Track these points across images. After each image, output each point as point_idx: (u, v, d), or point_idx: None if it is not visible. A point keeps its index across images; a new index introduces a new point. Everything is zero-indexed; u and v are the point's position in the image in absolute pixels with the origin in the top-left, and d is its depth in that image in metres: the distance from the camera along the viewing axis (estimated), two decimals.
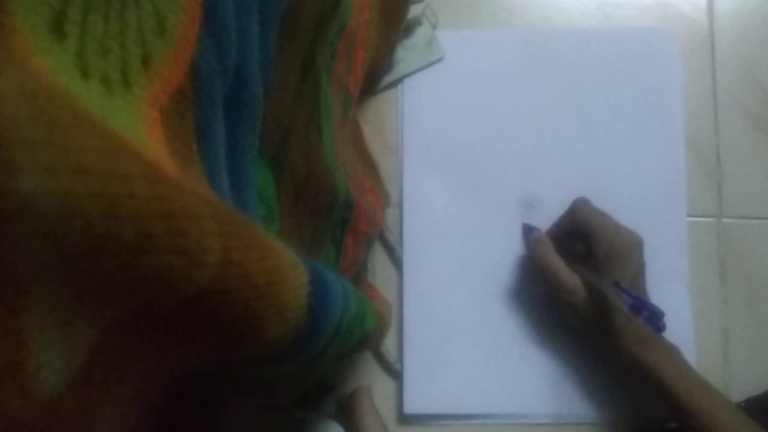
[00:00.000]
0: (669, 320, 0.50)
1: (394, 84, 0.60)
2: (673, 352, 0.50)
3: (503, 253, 0.58)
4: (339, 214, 0.42)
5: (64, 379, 0.15)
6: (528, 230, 0.56)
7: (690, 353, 0.55)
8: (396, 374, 0.56)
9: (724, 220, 0.59)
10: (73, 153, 0.12)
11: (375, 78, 0.59)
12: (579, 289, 0.50)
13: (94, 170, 0.12)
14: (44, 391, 0.14)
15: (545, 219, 0.57)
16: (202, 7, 0.21)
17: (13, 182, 0.11)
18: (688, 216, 0.58)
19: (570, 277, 0.50)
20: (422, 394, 0.55)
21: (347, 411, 0.45)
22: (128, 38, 0.17)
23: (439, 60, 0.60)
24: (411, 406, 0.55)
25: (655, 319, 0.47)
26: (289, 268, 0.23)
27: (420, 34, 0.60)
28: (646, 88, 0.60)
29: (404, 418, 0.55)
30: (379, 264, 0.58)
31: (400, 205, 0.58)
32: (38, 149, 0.11)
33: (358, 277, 0.56)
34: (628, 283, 0.48)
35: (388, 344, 0.56)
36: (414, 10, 0.58)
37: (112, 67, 0.16)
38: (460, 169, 0.59)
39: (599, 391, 0.55)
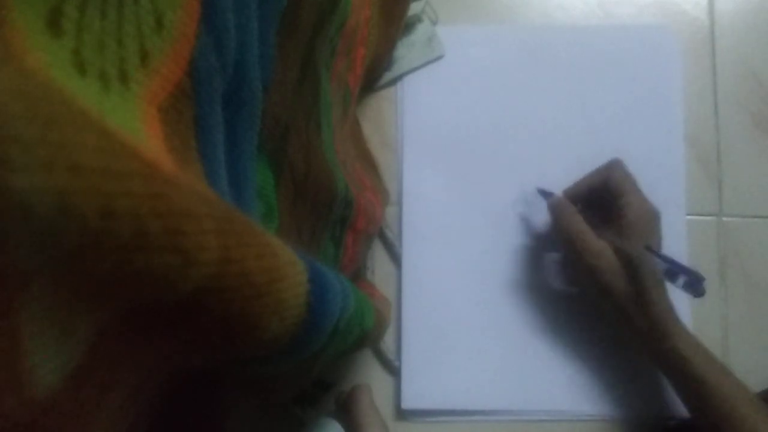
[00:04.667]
0: None
1: (394, 81, 0.60)
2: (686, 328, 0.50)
3: (502, 249, 0.58)
4: (338, 211, 0.42)
5: (60, 378, 0.15)
6: (545, 195, 0.55)
7: None
8: (394, 370, 0.56)
9: (724, 218, 0.59)
10: (68, 150, 0.12)
11: (375, 75, 0.59)
12: (606, 252, 0.49)
13: (90, 168, 0.12)
14: (40, 391, 0.14)
15: (544, 216, 0.57)
16: (200, 4, 0.21)
17: (8, 180, 0.11)
18: (688, 214, 0.58)
19: (597, 241, 0.50)
20: (420, 389, 0.55)
21: (346, 408, 0.45)
22: (126, 35, 0.17)
23: (440, 57, 0.60)
24: (409, 402, 0.55)
25: (694, 283, 0.47)
26: (288, 266, 0.23)
27: (420, 32, 0.60)
28: (646, 85, 0.60)
29: (402, 414, 0.55)
30: (378, 261, 0.58)
31: (400, 203, 0.58)
32: (33, 146, 0.11)
33: (358, 274, 0.56)
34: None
35: (387, 340, 0.56)
36: (414, 8, 0.58)
37: (110, 64, 0.16)
38: (460, 166, 0.59)
39: (598, 388, 0.55)
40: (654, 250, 0.48)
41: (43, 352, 0.14)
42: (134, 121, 0.17)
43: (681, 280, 0.47)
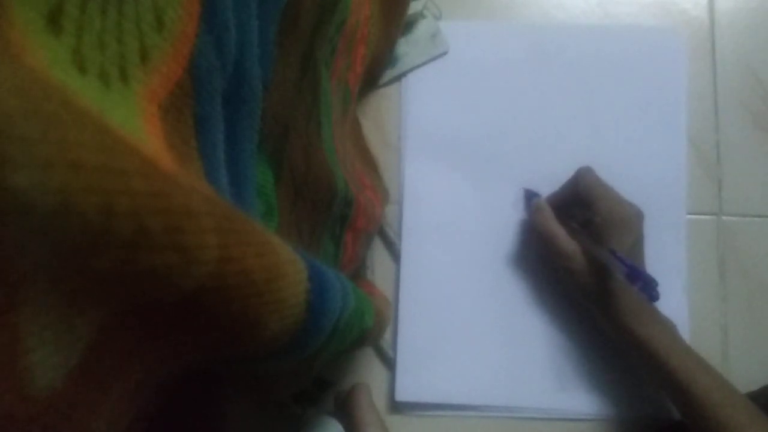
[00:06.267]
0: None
1: (398, 78, 0.60)
2: (668, 326, 0.50)
3: (501, 248, 0.58)
4: (338, 210, 0.42)
5: (59, 376, 0.15)
6: (529, 196, 0.57)
7: None
8: (390, 363, 0.56)
9: (724, 217, 0.58)
10: (69, 148, 0.12)
11: (375, 74, 0.59)
12: (577, 255, 0.51)
13: (90, 166, 0.12)
14: (39, 389, 0.14)
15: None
16: (200, 2, 0.21)
17: (8, 178, 0.11)
18: (688, 213, 0.58)
19: (568, 244, 0.51)
20: (415, 382, 0.55)
21: (345, 407, 0.45)
22: (126, 33, 0.17)
23: (443, 54, 0.60)
24: (402, 394, 0.55)
25: (648, 288, 0.47)
26: (288, 264, 0.23)
27: (423, 28, 0.60)
28: (650, 86, 0.60)
29: (395, 406, 0.55)
30: (378, 260, 0.58)
31: (400, 202, 0.58)
32: (34, 144, 0.11)
33: (357, 273, 0.56)
34: (625, 253, 0.49)
35: (385, 336, 0.56)
36: (415, 6, 0.58)
37: (110, 62, 0.16)
38: (461, 164, 0.59)
39: (593, 387, 0.55)
40: (617, 253, 0.48)
41: (43, 350, 0.14)
42: (134, 120, 0.17)
43: (639, 283, 0.48)
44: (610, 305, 0.49)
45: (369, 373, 0.56)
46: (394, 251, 0.58)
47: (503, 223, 0.58)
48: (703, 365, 0.47)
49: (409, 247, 0.57)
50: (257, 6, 0.25)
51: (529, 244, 0.57)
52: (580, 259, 0.50)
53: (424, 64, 0.60)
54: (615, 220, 0.50)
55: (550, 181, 0.56)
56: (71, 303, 0.14)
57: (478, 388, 0.55)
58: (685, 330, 0.56)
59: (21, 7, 0.13)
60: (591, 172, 0.53)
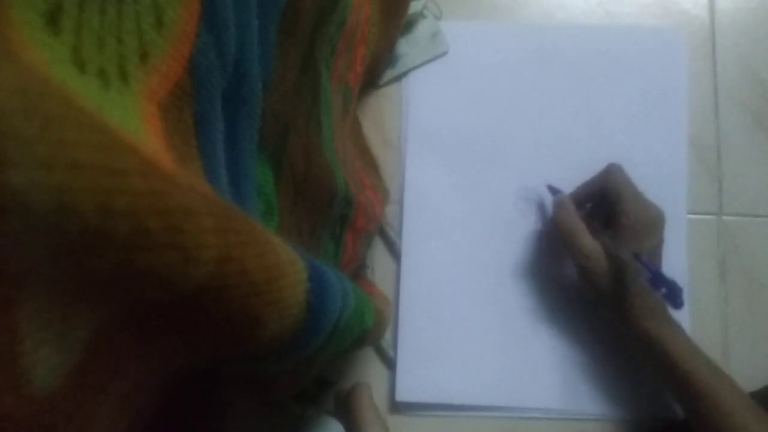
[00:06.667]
0: None
1: (398, 78, 0.60)
2: (679, 328, 0.50)
3: (501, 247, 0.57)
4: (338, 210, 0.42)
5: (58, 376, 0.15)
6: (552, 192, 0.56)
7: None
8: (390, 363, 0.56)
9: (725, 217, 0.58)
10: (67, 147, 0.12)
11: (375, 74, 0.59)
12: (598, 255, 0.50)
13: (88, 165, 0.12)
14: (38, 389, 0.14)
15: (546, 214, 0.57)
16: (200, 2, 0.21)
17: (6, 177, 0.11)
18: (689, 213, 0.58)
19: (590, 243, 0.50)
20: (415, 382, 0.55)
21: (346, 407, 0.45)
22: (126, 32, 0.17)
23: (444, 53, 0.60)
24: (403, 394, 0.55)
25: (674, 295, 0.47)
26: (288, 264, 0.23)
27: (424, 28, 0.60)
28: (649, 85, 0.60)
29: (396, 406, 0.55)
30: (379, 259, 0.58)
31: (401, 201, 0.58)
32: (32, 143, 0.11)
33: (357, 273, 0.56)
34: (646, 257, 0.48)
35: (386, 335, 0.56)
36: (415, 6, 0.58)
37: (109, 61, 0.16)
38: (462, 163, 0.59)
39: (594, 387, 0.55)
40: (642, 257, 0.48)
41: (41, 350, 0.14)
42: (134, 119, 0.17)
43: (663, 290, 0.47)
44: (625, 306, 0.49)
45: (369, 373, 0.56)
46: (394, 251, 0.58)
47: (503, 223, 0.58)
48: (715, 368, 0.47)
49: (409, 246, 0.57)
50: (257, 5, 0.25)
51: (530, 243, 0.57)
52: (599, 258, 0.50)
53: (424, 64, 0.60)
54: (642, 223, 0.49)
55: (550, 181, 0.56)
56: (70, 303, 0.14)
57: (479, 388, 0.55)
58: (685, 330, 0.55)
59: (20, 6, 0.13)
60: (621, 171, 0.52)
